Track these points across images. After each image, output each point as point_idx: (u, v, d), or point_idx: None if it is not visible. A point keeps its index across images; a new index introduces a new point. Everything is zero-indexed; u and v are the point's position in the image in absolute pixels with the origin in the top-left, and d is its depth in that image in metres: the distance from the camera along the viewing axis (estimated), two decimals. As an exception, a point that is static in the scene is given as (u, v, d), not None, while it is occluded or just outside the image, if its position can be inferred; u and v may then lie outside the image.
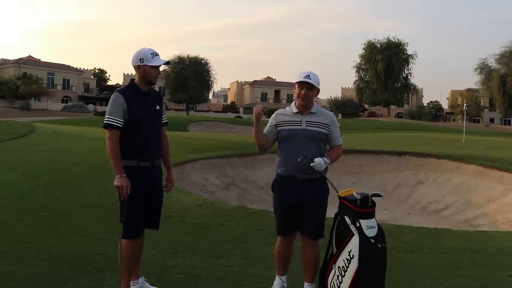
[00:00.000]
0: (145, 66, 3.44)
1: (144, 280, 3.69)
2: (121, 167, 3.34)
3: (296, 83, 3.52)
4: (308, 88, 3.47)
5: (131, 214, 3.39)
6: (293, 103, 3.66)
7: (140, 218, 3.46)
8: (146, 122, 3.47)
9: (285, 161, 3.54)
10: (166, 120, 3.78)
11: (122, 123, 3.39)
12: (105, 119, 3.40)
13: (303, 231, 3.54)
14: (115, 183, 3.32)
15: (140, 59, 3.43)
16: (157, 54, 3.47)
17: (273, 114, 3.69)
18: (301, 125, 3.51)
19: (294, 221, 3.55)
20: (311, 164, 3.37)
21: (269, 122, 3.68)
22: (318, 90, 3.53)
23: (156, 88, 4.02)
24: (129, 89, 3.51)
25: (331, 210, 3.51)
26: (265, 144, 3.62)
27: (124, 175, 3.33)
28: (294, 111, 3.57)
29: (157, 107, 3.60)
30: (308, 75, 3.46)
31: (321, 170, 3.40)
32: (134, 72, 3.55)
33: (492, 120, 72.22)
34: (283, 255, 3.70)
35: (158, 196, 3.61)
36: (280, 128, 3.58)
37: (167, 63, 3.58)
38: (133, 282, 3.58)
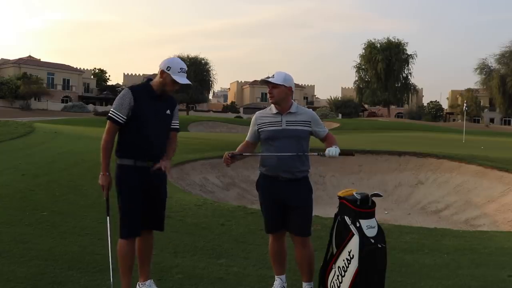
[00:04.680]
0: (168, 76, 3.41)
1: (152, 282, 3.65)
2: (107, 165, 3.40)
3: (261, 83, 3.66)
4: (272, 87, 3.56)
5: (125, 214, 3.39)
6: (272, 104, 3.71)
7: (136, 219, 3.42)
8: (151, 124, 3.42)
9: (268, 161, 3.59)
10: (177, 126, 3.67)
11: (123, 120, 3.39)
12: (109, 112, 3.43)
13: (291, 230, 3.60)
14: (99, 180, 3.42)
15: (168, 67, 3.41)
16: (184, 72, 3.46)
17: (254, 117, 3.76)
18: (281, 126, 3.56)
19: (281, 218, 3.61)
20: (325, 154, 3.49)
21: (251, 124, 3.74)
22: (287, 88, 3.56)
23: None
24: (142, 88, 3.50)
25: (331, 210, 3.51)
26: (249, 152, 3.72)
27: (107, 173, 3.40)
28: (273, 112, 3.64)
29: (168, 111, 3.54)
30: (273, 75, 3.57)
31: (336, 155, 3.49)
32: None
33: (492, 120, 72.18)
34: (277, 252, 3.74)
35: (159, 196, 3.56)
36: (261, 129, 3.63)
37: (188, 85, 3.50)
38: (142, 283, 3.58)
